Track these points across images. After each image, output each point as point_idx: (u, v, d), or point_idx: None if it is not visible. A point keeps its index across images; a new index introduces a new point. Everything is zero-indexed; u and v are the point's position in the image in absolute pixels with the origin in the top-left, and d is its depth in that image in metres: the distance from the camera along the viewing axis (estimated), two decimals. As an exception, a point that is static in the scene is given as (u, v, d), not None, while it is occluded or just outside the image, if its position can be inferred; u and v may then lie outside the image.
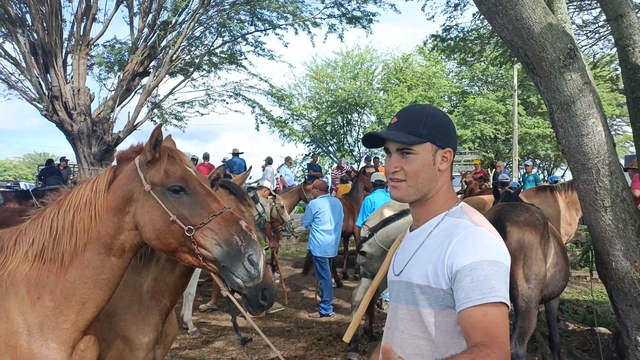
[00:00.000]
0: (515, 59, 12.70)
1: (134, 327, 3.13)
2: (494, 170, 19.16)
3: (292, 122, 30.60)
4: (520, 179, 20.08)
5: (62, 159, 18.35)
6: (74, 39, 14.55)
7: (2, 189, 16.70)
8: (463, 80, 32.69)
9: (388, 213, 6.59)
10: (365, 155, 24.41)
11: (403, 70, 31.13)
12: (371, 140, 2.03)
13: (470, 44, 13.47)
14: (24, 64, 13.95)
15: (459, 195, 10.44)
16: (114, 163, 2.63)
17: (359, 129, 32.48)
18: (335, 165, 21.71)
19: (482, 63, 17.85)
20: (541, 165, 34.37)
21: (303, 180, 15.78)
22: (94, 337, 2.72)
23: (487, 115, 28.45)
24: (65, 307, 2.46)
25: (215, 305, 9.57)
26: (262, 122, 18.35)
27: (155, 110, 16.77)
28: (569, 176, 16.04)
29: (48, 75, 14.19)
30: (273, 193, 10.57)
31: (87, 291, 2.47)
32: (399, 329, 1.91)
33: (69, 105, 14.12)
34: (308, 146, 31.96)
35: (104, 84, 16.97)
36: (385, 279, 2.21)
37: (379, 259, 6.36)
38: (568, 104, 4.50)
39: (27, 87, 14.53)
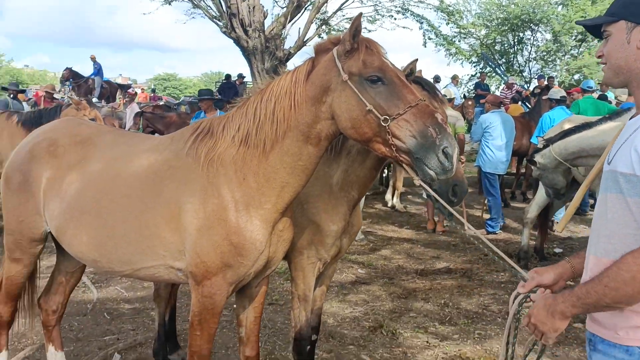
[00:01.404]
0: None
1: (324, 215, 3.33)
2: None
3: (459, 41, 29.23)
4: None
5: (239, 76, 19.54)
6: (248, -44, 15.01)
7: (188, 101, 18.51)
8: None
9: (568, 127, 6.20)
10: (537, 75, 22.80)
11: (588, -19, 27.96)
12: (587, 28, 2.07)
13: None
14: (206, -17, 14.79)
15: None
16: (312, 55, 2.70)
17: (531, 48, 30.18)
18: (503, 84, 20.58)
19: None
20: None
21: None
22: (290, 220, 2.95)
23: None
24: (267, 188, 2.67)
25: None
26: (430, 39, 17.79)
27: (324, 27, 16.91)
28: None
29: (227, -7, 14.91)
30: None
31: (286, 176, 2.65)
32: (607, 218, 1.83)
33: (245, 22, 14.77)
34: (474, 66, 30.50)
35: (276, 1, 17.38)
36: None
37: (553, 171, 6.07)
38: None
39: (209, 6, 15.45)
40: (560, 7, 28.73)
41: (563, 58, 28.33)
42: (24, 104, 14.16)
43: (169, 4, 16.19)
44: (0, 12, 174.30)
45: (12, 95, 12.45)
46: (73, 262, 3.72)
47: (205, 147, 2.76)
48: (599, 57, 1.92)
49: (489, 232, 8.77)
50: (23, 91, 14.94)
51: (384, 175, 12.58)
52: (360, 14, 2.56)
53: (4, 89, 13.70)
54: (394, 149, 2.38)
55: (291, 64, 15.67)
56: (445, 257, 7.57)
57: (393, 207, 10.84)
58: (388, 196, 11.14)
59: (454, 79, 19.18)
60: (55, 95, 15.63)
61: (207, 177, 2.71)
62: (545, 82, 16.15)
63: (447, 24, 22.96)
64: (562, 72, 27.53)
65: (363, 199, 8.29)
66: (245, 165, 2.69)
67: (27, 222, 3.32)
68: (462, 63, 30.57)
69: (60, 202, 3.11)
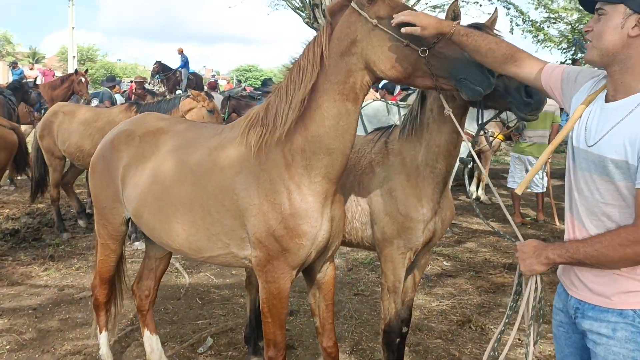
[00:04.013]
0: None
1: (413, 200, 3.28)
2: None
3: (548, 27, 27.98)
4: None
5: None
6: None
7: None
8: None
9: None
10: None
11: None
12: (583, 2, 2.04)
13: None
14: (288, -25, 14.93)
15: None
16: (327, 18, 2.70)
17: (627, 31, 28.42)
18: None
19: None
20: None
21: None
22: (340, 196, 2.97)
23: None
24: (315, 161, 2.69)
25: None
26: (517, 25, 17.13)
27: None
28: None
29: (309, -16, 15.00)
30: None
31: (331, 141, 2.66)
32: (588, 195, 1.98)
33: (327, 13, 14.83)
34: (563, 53, 29.10)
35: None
36: None
37: None
38: None
39: (292, -3, 15.64)
40: (661, -13, 26.82)
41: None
42: (118, 95, 14.93)
43: (254, -4, 16.46)
44: (97, 8, 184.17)
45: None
46: (161, 248, 3.88)
47: (255, 135, 2.82)
48: (587, 31, 1.94)
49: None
50: (115, 85, 15.74)
51: (468, 166, 12.28)
52: None
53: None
54: (433, 78, 2.43)
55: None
56: (535, 251, 7.29)
57: (478, 199, 10.58)
58: (472, 188, 10.87)
59: (543, 66, 18.34)
60: (145, 86, 16.32)
61: (258, 163, 2.77)
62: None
63: (536, 8, 22.10)
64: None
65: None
66: (291, 146, 2.73)
67: (110, 208, 3.55)
68: (550, 50, 29.24)
69: (134, 188, 3.28)
